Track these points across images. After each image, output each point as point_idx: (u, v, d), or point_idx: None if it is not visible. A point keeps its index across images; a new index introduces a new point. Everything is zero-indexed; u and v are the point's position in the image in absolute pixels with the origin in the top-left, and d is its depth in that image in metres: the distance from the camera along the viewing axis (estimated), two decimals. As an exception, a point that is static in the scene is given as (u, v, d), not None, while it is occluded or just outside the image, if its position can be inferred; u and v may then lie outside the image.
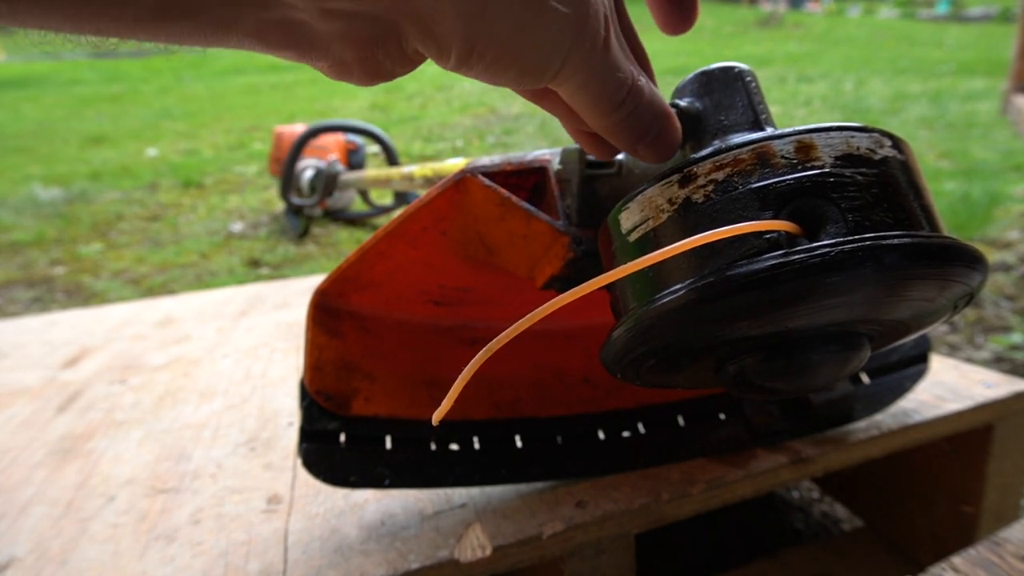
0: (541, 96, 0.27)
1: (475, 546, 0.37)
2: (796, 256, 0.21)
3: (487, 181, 0.35)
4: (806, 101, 3.66)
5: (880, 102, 3.50)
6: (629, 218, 0.26)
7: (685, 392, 0.46)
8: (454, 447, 0.42)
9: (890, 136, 0.24)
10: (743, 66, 0.29)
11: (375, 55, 0.20)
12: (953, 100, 3.41)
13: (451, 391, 0.22)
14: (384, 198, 1.96)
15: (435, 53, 0.20)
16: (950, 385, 0.52)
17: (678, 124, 0.26)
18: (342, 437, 0.40)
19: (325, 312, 0.40)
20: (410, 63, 0.21)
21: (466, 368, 0.21)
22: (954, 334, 1.10)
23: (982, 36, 7.44)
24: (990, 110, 3.12)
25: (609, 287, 0.26)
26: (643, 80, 0.24)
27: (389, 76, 0.22)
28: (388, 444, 0.41)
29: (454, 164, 0.61)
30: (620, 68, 0.23)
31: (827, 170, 0.23)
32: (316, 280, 1.01)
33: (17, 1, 0.15)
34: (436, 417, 0.22)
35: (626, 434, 0.45)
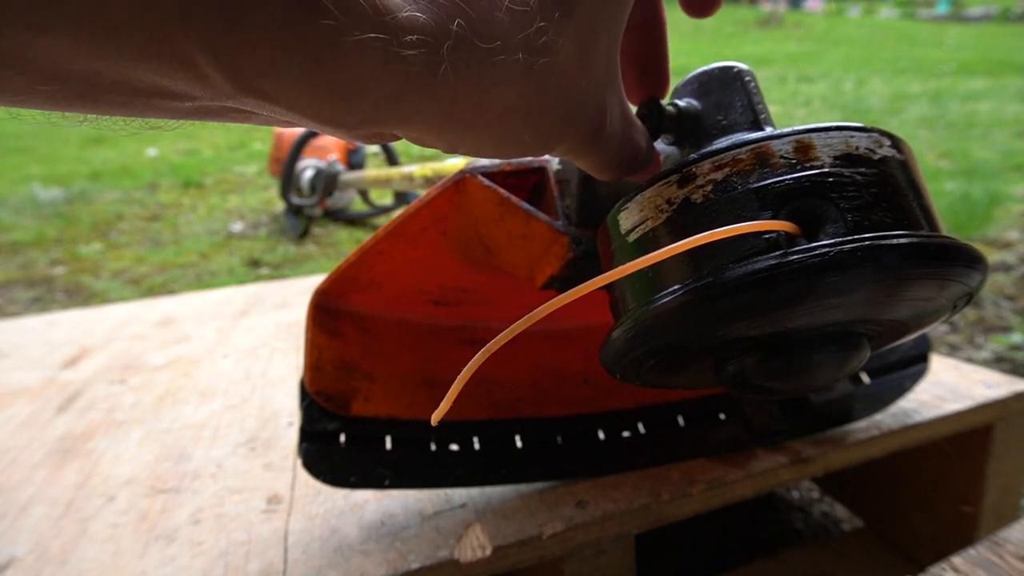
0: None
1: (475, 546, 0.37)
2: (795, 256, 0.21)
3: (486, 181, 0.35)
4: (806, 101, 3.67)
5: (880, 102, 3.50)
6: (628, 218, 0.26)
7: (685, 392, 0.46)
8: (454, 447, 0.42)
9: (889, 136, 0.24)
10: (742, 66, 0.29)
11: (369, 135, 0.21)
12: (953, 100, 3.41)
13: (450, 392, 0.22)
14: (384, 198, 1.96)
15: (425, 145, 0.21)
16: (950, 385, 0.52)
17: (660, 164, 0.27)
18: (342, 438, 0.40)
19: (325, 312, 0.40)
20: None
21: (464, 369, 0.21)
22: (954, 334, 1.10)
23: (982, 36, 7.44)
24: (990, 110, 3.12)
25: (608, 287, 0.26)
26: (642, 142, 0.25)
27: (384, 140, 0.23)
28: (388, 445, 0.41)
29: (454, 164, 0.61)
30: (615, 147, 0.23)
31: (826, 170, 0.23)
32: (316, 280, 1.01)
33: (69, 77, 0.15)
34: (435, 418, 0.22)
35: (626, 434, 0.45)
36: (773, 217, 0.22)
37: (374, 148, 2.21)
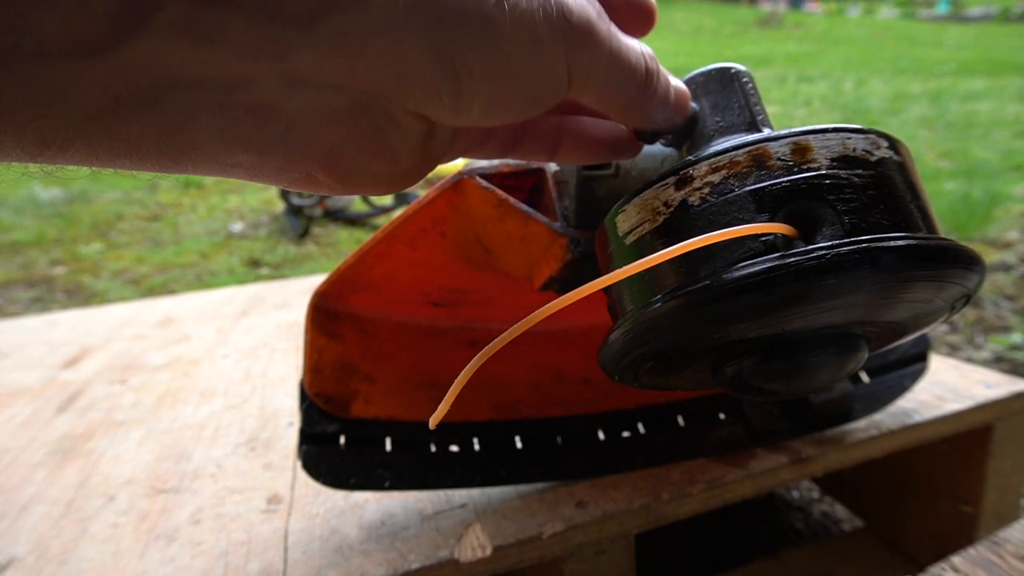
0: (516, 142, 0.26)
1: (475, 546, 0.37)
2: (792, 259, 0.21)
3: (484, 183, 0.35)
4: (806, 101, 3.66)
5: (880, 102, 3.50)
6: (626, 220, 0.26)
7: (685, 392, 0.47)
8: (454, 449, 0.42)
9: (887, 137, 0.24)
10: (740, 67, 0.29)
11: (362, 126, 0.18)
12: (953, 100, 3.41)
13: (447, 395, 0.22)
14: (384, 198, 1.96)
15: (427, 104, 0.19)
16: (950, 385, 0.52)
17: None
18: (342, 439, 0.40)
19: (324, 314, 0.40)
20: (404, 132, 0.19)
21: (463, 372, 0.21)
22: (954, 334, 1.10)
23: (982, 36, 7.44)
24: (990, 110, 3.11)
25: (606, 289, 0.26)
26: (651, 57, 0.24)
27: (393, 159, 0.20)
28: (388, 446, 0.41)
29: (453, 164, 0.61)
30: (629, 49, 0.22)
31: (823, 172, 0.23)
32: (316, 280, 1.01)
33: None
34: (433, 421, 0.22)
35: (626, 434, 0.45)
36: (770, 219, 0.22)
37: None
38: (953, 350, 1.05)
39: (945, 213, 1.61)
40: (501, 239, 0.36)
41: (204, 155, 0.17)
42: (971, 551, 0.36)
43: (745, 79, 0.29)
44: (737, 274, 0.21)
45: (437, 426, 0.22)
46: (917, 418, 0.48)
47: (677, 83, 0.25)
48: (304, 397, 0.40)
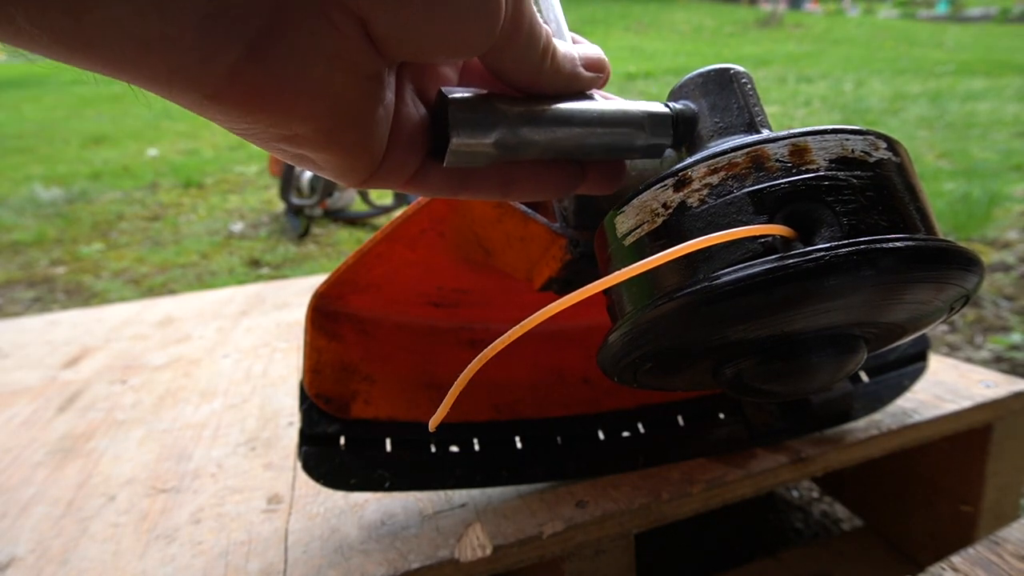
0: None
1: (475, 546, 0.37)
2: (791, 261, 0.21)
3: None
4: (806, 101, 3.66)
5: (880, 102, 3.50)
6: (624, 222, 0.26)
7: (684, 392, 0.47)
8: (454, 449, 0.42)
9: (885, 138, 0.25)
10: (738, 68, 0.29)
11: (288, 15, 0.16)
12: (953, 100, 3.41)
13: (447, 397, 0.22)
14: (384, 198, 1.96)
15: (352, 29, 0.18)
16: (949, 385, 0.52)
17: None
18: (342, 440, 0.40)
19: (324, 315, 0.40)
20: (338, 35, 0.17)
21: (462, 374, 0.21)
22: (953, 334, 1.10)
23: (982, 36, 7.44)
24: (990, 110, 3.11)
25: (606, 290, 0.27)
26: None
27: (328, 77, 0.18)
28: (388, 447, 0.41)
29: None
30: (536, 19, 0.22)
31: (822, 173, 0.23)
32: (316, 280, 1.01)
33: None
34: (432, 423, 0.22)
35: (626, 434, 0.45)
36: (769, 221, 0.22)
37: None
38: (953, 350, 1.05)
39: (945, 213, 1.61)
40: (500, 239, 0.37)
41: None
42: (971, 551, 0.36)
43: (744, 80, 0.29)
44: (736, 276, 0.21)
45: (437, 426, 0.22)
46: (917, 418, 0.48)
47: (567, 52, 0.25)
48: (304, 398, 0.40)
